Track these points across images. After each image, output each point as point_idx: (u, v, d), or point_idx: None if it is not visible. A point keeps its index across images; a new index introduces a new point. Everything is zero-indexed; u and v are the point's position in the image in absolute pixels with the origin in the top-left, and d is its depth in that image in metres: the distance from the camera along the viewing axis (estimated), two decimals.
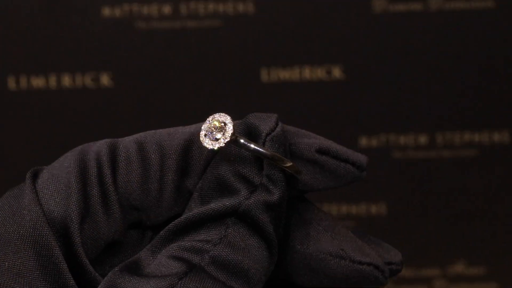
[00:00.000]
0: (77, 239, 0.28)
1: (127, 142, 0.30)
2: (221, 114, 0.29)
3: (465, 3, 0.73)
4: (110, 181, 0.29)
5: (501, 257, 0.77)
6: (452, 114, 0.75)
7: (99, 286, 0.28)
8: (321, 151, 0.31)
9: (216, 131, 0.29)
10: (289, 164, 0.29)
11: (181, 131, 0.30)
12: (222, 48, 0.73)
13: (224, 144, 0.29)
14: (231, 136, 0.29)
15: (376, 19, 0.73)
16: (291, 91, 0.74)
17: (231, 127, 0.29)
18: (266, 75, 0.74)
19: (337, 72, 0.74)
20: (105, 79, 0.74)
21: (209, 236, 0.28)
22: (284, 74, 0.74)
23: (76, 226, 0.28)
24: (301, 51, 0.74)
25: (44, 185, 0.29)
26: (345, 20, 0.73)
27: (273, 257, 0.29)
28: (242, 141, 0.29)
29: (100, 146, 0.30)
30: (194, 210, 0.29)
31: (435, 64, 0.74)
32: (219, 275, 0.28)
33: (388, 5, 0.73)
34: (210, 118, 0.30)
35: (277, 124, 0.30)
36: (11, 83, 0.73)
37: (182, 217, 0.28)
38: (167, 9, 0.73)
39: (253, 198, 0.29)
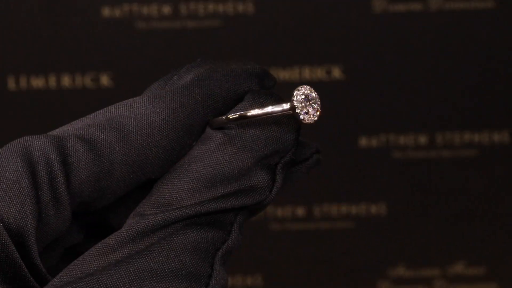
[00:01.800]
0: (33, 248, 0.27)
1: (74, 141, 0.29)
2: (304, 86, 0.30)
3: (465, 3, 0.73)
4: (62, 186, 0.28)
5: (501, 257, 0.77)
6: (452, 114, 0.75)
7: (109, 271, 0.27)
8: None
9: (311, 103, 0.29)
10: None
11: (128, 124, 0.30)
12: (222, 48, 0.73)
13: (317, 117, 0.29)
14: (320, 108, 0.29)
15: (376, 19, 0.73)
16: (291, 91, 0.74)
17: (318, 98, 0.30)
18: None
19: (337, 72, 0.74)
20: (105, 79, 0.74)
21: (223, 219, 0.28)
22: (284, 74, 0.74)
23: (32, 235, 0.27)
24: (301, 51, 0.74)
25: None
26: (345, 20, 0.73)
27: None
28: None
29: (44, 144, 0.29)
30: (214, 201, 0.28)
31: (435, 64, 0.74)
32: (223, 262, 0.28)
33: (388, 5, 0.73)
34: (302, 91, 0.29)
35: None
36: (11, 83, 0.73)
37: (202, 207, 0.28)
38: (167, 9, 0.73)
39: (274, 191, 0.29)
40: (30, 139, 0.29)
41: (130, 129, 0.29)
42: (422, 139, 0.75)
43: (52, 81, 0.74)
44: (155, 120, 0.30)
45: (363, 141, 0.75)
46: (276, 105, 0.30)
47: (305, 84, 0.31)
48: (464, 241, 0.76)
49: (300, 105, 0.29)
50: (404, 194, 0.76)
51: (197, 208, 0.28)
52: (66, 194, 0.28)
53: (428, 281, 0.77)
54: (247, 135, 0.29)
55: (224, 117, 0.29)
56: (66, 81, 0.74)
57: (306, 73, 0.74)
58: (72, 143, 0.29)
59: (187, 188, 0.29)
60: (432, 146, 0.76)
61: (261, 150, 0.29)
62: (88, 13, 0.73)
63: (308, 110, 0.29)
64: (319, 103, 0.29)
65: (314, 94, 0.29)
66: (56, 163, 0.28)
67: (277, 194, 0.29)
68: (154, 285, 0.26)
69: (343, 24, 0.73)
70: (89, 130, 0.29)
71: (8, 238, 0.27)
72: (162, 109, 0.30)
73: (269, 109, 0.29)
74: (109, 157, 0.29)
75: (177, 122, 0.30)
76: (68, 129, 0.30)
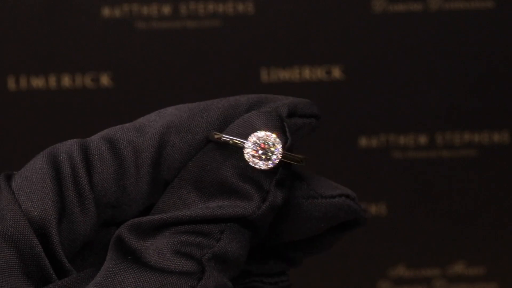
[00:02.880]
0: (55, 239, 0.28)
1: (97, 141, 0.30)
2: (265, 133, 0.30)
3: (465, 3, 0.73)
4: (85, 181, 0.29)
5: (501, 257, 0.77)
6: (452, 114, 0.75)
7: (101, 275, 0.28)
8: (290, 114, 0.31)
9: (266, 150, 0.29)
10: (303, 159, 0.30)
11: (149, 125, 0.31)
12: (222, 48, 0.73)
13: (277, 163, 0.29)
14: (283, 154, 0.29)
15: (376, 19, 0.73)
16: (291, 91, 0.74)
17: (280, 147, 0.30)
18: (266, 75, 0.74)
19: (337, 72, 0.74)
20: (105, 79, 0.74)
21: (209, 229, 0.28)
22: (284, 74, 0.74)
23: (54, 226, 0.28)
24: (301, 51, 0.74)
25: (19, 187, 0.29)
26: (345, 20, 0.73)
27: (252, 244, 0.30)
28: (288, 156, 0.30)
29: (70, 146, 0.30)
30: (198, 209, 0.29)
31: (435, 64, 0.74)
32: (219, 268, 0.28)
33: (388, 5, 0.73)
34: (255, 139, 0.30)
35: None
36: (11, 83, 0.73)
37: (183, 214, 0.28)
38: (167, 9, 0.73)
39: (263, 208, 0.29)
40: (59, 144, 0.30)
41: (149, 129, 0.30)
42: (422, 139, 0.75)
43: (52, 81, 0.74)
44: (173, 121, 0.30)
45: (363, 141, 0.75)
46: (244, 138, 0.30)
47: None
48: (464, 241, 0.76)
49: (250, 149, 0.30)
50: (404, 194, 0.76)
51: (178, 215, 0.28)
52: (89, 190, 0.29)
53: (428, 281, 0.77)
54: (236, 155, 0.29)
55: (221, 137, 0.30)
56: (66, 81, 0.74)
57: (306, 73, 0.74)
58: (96, 142, 0.30)
59: (176, 196, 0.30)
60: (432, 146, 0.76)
61: (246, 168, 0.29)
62: (88, 13, 0.73)
63: (255, 155, 0.29)
64: (276, 154, 0.29)
65: (271, 147, 0.29)
66: (78, 160, 0.29)
67: (268, 211, 0.29)
68: (150, 274, 0.27)
69: (343, 24, 0.73)
70: (113, 131, 0.30)
71: (31, 231, 0.28)
72: (183, 112, 0.31)
73: (239, 139, 0.30)
74: (128, 155, 0.30)
75: (194, 125, 0.30)
76: (102, 132, 0.31)
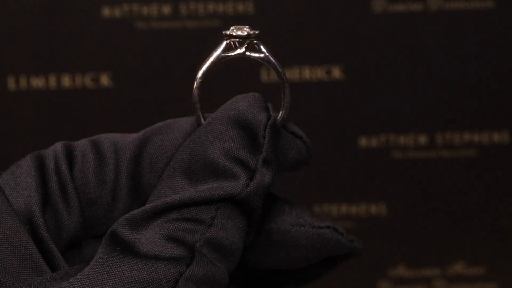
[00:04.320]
0: (41, 223, 0.29)
1: (82, 141, 0.31)
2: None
3: (464, 3, 0.73)
4: (66, 171, 0.30)
5: (501, 257, 0.77)
6: (452, 114, 0.75)
7: (89, 265, 0.28)
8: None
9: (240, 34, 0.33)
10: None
11: (134, 134, 0.32)
12: None
13: (244, 48, 0.31)
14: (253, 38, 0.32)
15: (376, 19, 0.73)
16: (291, 91, 0.74)
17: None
18: (266, 75, 0.74)
19: (336, 72, 0.74)
20: (105, 79, 0.74)
21: (199, 215, 0.29)
22: None
23: (39, 210, 0.29)
24: (301, 51, 0.74)
25: (5, 181, 0.30)
26: (345, 20, 0.73)
27: (249, 236, 0.30)
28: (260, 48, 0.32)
29: (55, 146, 0.31)
30: (186, 192, 0.29)
31: (435, 64, 0.74)
32: (211, 256, 0.28)
33: (388, 5, 0.73)
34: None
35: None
36: (11, 83, 0.73)
37: (172, 199, 0.29)
38: (167, 9, 0.73)
39: (252, 186, 0.29)
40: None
41: (134, 134, 0.31)
42: (422, 139, 0.75)
43: (52, 81, 0.74)
44: (158, 125, 0.32)
45: (363, 141, 0.75)
46: (228, 121, 0.31)
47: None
48: (464, 241, 0.76)
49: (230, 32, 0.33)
50: (404, 194, 0.76)
51: (168, 200, 0.29)
52: (70, 179, 0.30)
53: (428, 281, 0.77)
54: (214, 129, 0.30)
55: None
56: (66, 81, 0.74)
57: (306, 73, 0.74)
58: (81, 142, 0.31)
59: (167, 186, 0.30)
60: (432, 146, 0.76)
61: (232, 148, 0.30)
62: (88, 13, 0.73)
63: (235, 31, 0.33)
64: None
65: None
66: (61, 155, 0.30)
67: (257, 190, 0.29)
68: (137, 261, 0.27)
69: (343, 24, 0.73)
70: (98, 135, 0.32)
71: (17, 220, 0.29)
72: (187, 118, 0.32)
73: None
74: (109, 152, 0.31)
75: (177, 126, 0.32)
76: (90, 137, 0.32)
